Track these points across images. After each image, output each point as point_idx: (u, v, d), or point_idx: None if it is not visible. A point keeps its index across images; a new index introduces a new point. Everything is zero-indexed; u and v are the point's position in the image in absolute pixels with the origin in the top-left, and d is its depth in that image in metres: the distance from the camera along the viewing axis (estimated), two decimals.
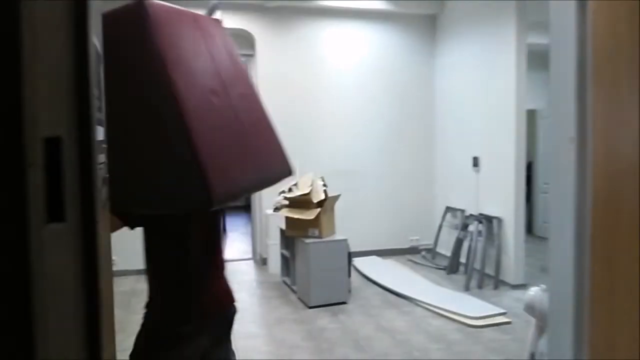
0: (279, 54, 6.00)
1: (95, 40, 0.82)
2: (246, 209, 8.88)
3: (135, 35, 1.34)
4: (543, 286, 2.49)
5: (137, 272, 5.77)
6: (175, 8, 1.45)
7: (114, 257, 5.75)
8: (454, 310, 4.21)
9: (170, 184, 1.32)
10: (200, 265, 1.62)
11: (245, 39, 5.97)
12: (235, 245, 7.26)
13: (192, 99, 1.31)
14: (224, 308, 1.78)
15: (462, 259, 5.52)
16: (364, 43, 6.24)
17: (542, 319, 2.42)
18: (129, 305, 4.65)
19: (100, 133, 0.84)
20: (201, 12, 1.70)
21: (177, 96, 1.27)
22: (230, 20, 5.83)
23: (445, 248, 6.03)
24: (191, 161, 1.26)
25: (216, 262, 1.75)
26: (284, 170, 1.70)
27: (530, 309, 2.52)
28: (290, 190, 4.97)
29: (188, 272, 1.59)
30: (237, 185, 1.40)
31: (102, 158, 0.87)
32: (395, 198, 6.42)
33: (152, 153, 1.33)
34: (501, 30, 5.09)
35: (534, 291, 2.53)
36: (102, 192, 0.86)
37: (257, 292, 5.01)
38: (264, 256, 6.00)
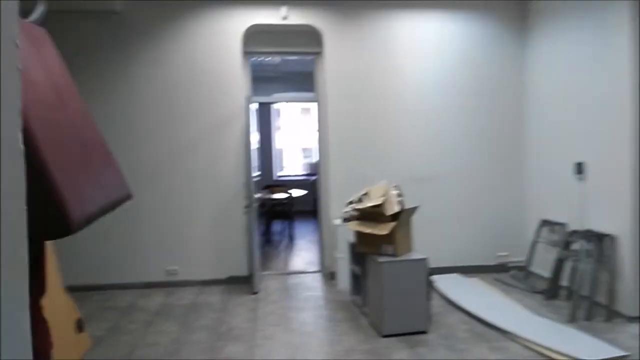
0: (349, 50, 5.48)
1: None
2: (315, 214, 8.48)
3: None
4: None
5: (201, 283, 5.50)
6: None
7: (175, 267, 5.40)
8: (561, 350, 3.46)
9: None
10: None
11: (312, 36, 5.51)
12: (302, 255, 6.83)
13: (35, 117, 1.14)
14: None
15: (564, 283, 4.70)
16: (442, 36, 5.57)
17: None
18: (186, 322, 4.31)
19: None
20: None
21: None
22: (295, 16, 5.40)
23: (541, 267, 5.20)
24: (44, 183, 1.10)
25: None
26: (123, 193, 1.58)
27: None
28: (360, 200, 4.43)
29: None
30: (92, 207, 1.28)
31: None
32: (480, 208, 5.67)
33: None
34: (611, 15, 4.24)
35: None
36: None
37: (323, 312, 4.50)
38: (332, 270, 5.49)
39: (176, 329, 4.15)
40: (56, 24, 5.32)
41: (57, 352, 3.13)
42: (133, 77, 5.37)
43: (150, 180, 5.41)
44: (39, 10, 1.55)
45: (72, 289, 5.49)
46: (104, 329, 4.22)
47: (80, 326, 3.27)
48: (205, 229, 5.49)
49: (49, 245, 3.16)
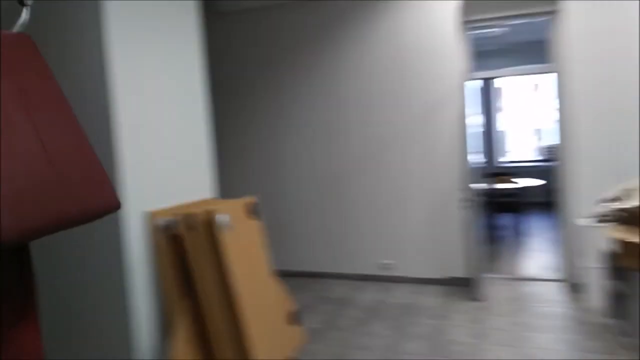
0: (597, 4, 4.27)
1: None
2: (549, 207, 7.21)
3: None
4: None
5: (416, 281, 5.09)
6: None
7: (391, 261, 4.94)
8: None
9: None
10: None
11: None
12: (536, 257, 5.80)
13: None
14: None
15: None
16: None
17: None
18: (400, 326, 3.92)
19: None
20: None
21: None
22: None
23: None
24: None
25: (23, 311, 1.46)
26: (108, 203, 1.45)
27: None
28: (620, 197, 3.35)
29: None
30: (40, 220, 1.24)
31: None
32: None
33: None
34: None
35: None
36: None
37: (568, 337, 3.59)
38: (578, 281, 4.43)
39: (389, 333, 3.81)
40: (262, 19, 5.49)
41: (263, 344, 2.95)
42: (338, 66, 5.20)
43: (364, 170, 5.19)
44: (22, 19, 1.51)
45: (291, 275, 5.76)
46: (319, 321, 4.14)
47: (294, 318, 3.16)
48: (421, 222, 5.02)
49: (259, 231, 3.07)
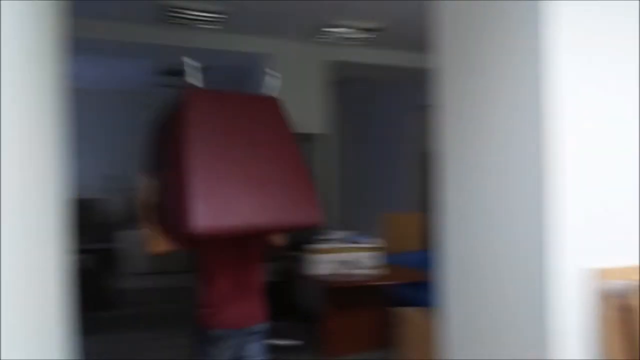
0: None
1: None
2: None
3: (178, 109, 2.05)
4: None
5: None
6: (213, 92, 2.11)
7: None
8: None
9: (177, 218, 1.86)
10: (222, 286, 2.24)
11: None
12: None
13: (200, 160, 1.87)
14: (243, 324, 2.30)
15: None
16: None
17: None
18: None
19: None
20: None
21: (188, 156, 1.87)
22: None
23: None
24: (184, 206, 1.79)
25: (241, 286, 2.28)
26: (309, 218, 2.03)
27: None
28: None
29: (214, 289, 2.24)
30: (228, 223, 1.85)
31: None
32: None
33: (173, 198, 1.94)
34: None
35: None
36: None
37: None
38: None
39: None
40: None
41: None
42: None
43: None
44: (271, 84, 2.24)
45: None
46: None
47: None
48: None
49: None
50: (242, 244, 2.27)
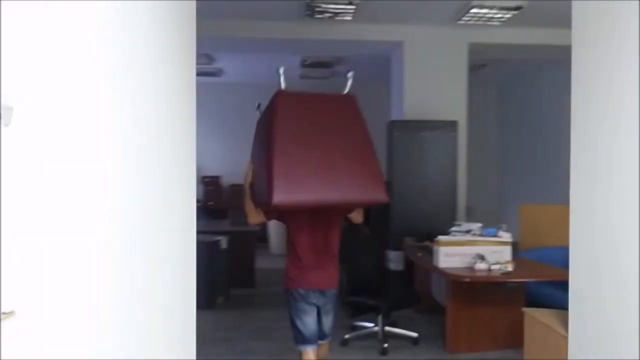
0: None
1: None
2: None
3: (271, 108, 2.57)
4: None
5: None
6: (298, 94, 2.64)
7: None
8: None
9: (265, 193, 2.34)
10: (305, 254, 2.74)
11: None
12: None
13: (283, 147, 2.36)
14: (321, 286, 2.77)
15: None
16: None
17: None
18: None
19: None
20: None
21: (274, 144, 2.36)
22: None
23: None
24: (270, 183, 2.28)
25: (321, 255, 2.77)
26: (374, 196, 2.49)
27: None
28: None
29: (297, 255, 2.75)
30: (302, 198, 2.34)
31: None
32: None
33: (264, 178, 2.40)
34: None
35: None
36: None
37: None
38: None
39: None
40: None
41: None
42: None
43: None
44: (348, 83, 2.73)
45: None
46: None
47: None
48: None
49: None
50: (318, 218, 2.73)
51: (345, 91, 2.73)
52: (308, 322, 2.75)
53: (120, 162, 1.46)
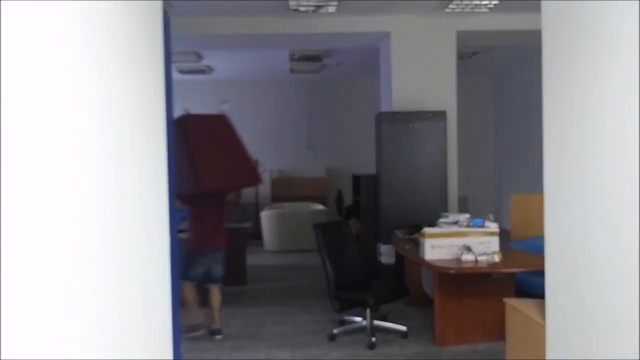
0: None
1: None
2: None
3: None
4: None
5: None
6: (200, 116, 4.99)
7: None
8: None
9: (191, 182, 3.86)
10: (208, 223, 4.26)
11: None
12: None
13: (200, 147, 4.06)
14: (208, 246, 4.22)
15: None
16: None
17: None
18: None
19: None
20: None
21: (192, 146, 4.02)
22: None
23: None
24: (196, 172, 3.90)
25: (215, 224, 4.29)
26: (252, 179, 4.69)
27: None
28: None
29: (202, 224, 4.28)
30: (220, 183, 4.13)
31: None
32: None
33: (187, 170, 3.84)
34: None
35: None
36: None
37: None
38: None
39: None
40: None
41: None
42: None
43: None
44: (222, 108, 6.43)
45: None
46: None
47: None
48: None
49: None
50: (215, 198, 4.31)
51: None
52: (198, 270, 4.20)
53: (92, 161, 1.44)
